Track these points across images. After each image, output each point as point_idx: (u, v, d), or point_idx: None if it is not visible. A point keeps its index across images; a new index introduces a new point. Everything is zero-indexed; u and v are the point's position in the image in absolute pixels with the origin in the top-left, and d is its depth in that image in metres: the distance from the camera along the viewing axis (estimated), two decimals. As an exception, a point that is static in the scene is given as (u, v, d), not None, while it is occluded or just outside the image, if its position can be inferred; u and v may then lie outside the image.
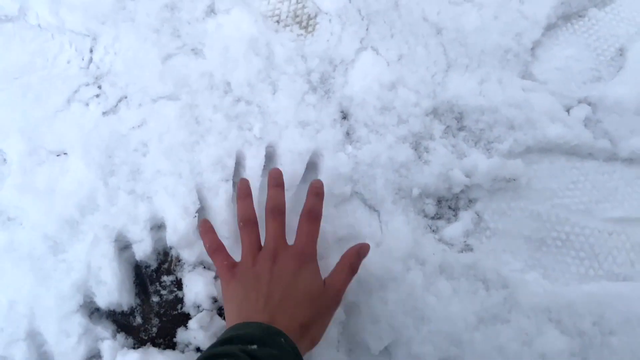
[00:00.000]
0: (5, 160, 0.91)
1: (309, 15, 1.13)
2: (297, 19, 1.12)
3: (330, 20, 1.10)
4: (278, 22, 1.11)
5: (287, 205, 0.92)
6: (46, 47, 1.01)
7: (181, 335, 0.84)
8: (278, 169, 0.81)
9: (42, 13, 1.01)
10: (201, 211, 0.89)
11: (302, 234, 0.73)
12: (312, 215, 0.76)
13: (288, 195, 0.93)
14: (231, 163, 0.93)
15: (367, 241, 0.91)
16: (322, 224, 0.84)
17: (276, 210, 0.74)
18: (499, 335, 0.85)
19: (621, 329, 0.86)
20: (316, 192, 0.79)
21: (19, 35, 1.02)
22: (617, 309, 0.87)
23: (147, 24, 1.03)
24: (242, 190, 0.79)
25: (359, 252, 0.76)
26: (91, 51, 1.01)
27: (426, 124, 1.00)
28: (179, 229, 0.86)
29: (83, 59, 1.00)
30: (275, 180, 0.78)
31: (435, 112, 1.02)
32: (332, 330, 0.82)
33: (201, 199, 0.90)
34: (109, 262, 0.83)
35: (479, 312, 0.86)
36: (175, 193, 0.88)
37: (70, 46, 1.01)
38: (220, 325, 0.85)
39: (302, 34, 1.10)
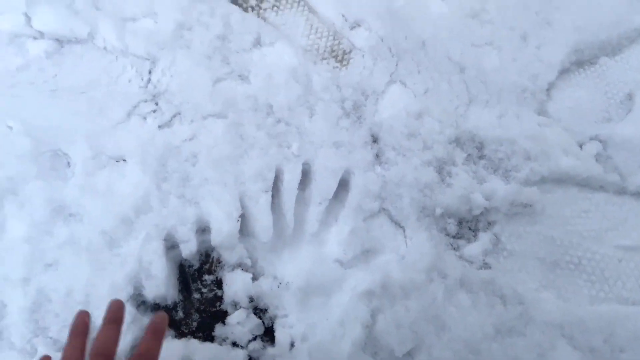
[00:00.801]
0: (68, 163, 1.01)
1: (344, 51, 1.25)
2: (333, 54, 1.24)
3: (363, 55, 1.22)
4: (316, 55, 1.23)
5: (315, 219, 1.01)
6: (110, 67, 1.13)
7: (219, 330, 0.91)
8: (119, 302, 0.64)
9: (109, 37, 1.14)
10: (243, 217, 0.98)
11: None
12: None
13: (319, 209, 1.02)
14: (271, 176, 1.02)
15: (392, 254, 0.99)
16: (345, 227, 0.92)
17: (102, 354, 0.57)
18: (515, 347, 0.91)
19: (631, 347, 0.91)
20: (154, 330, 0.61)
21: (86, 56, 1.14)
22: (627, 328, 0.93)
23: (200, 51, 1.15)
24: (76, 327, 0.61)
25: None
26: (150, 72, 1.13)
27: (449, 151, 1.10)
28: (223, 232, 0.94)
29: (142, 79, 1.12)
30: (111, 315, 0.62)
31: (457, 141, 1.11)
32: (359, 333, 0.89)
33: (243, 206, 0.98)
34: (159, 258, 0.91)
35: (496, 325, 0.92)
36: (220, 199, 0.97)
37: (131, 67, 1.13)
38: (255, 324, 0.91)
39: (337, 67, 1.22)
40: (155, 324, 0.63)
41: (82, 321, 0.62)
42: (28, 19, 1.14)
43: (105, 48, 1.15)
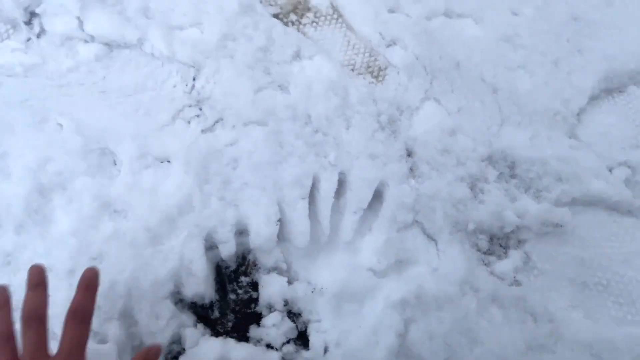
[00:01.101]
0: (115, 162, 1.04)
1: (380, 67, 1.28)
2: (370, 69, 1.28)
3: (398, 72, 1.26)
4: (353, 70, 1.27)
5: (349, 228, 1.04)
6: (156, 72, 1.18)
7: (254, 331, 0.93)
8: (39, 266, 0.64)
9: (157, 44, 1.18)
10: (280, 222, 1.00)
11: (66, 340, 0.60)
12: (79, 315, 0.61)
13: (354, 218, 1.05)
14: (308, 183, 1.05)
15: (424, 265, 1.01)
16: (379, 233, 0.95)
17: (33, 316, 0.59)
18: (546, 363, 0.92)
19: (661, 370, 0.92)
20: (86, 285, 0.64)
21: (134, 61, 1.19)
22: (657, 352, 0.94)
23: (243, 61, 1.19)
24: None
25: (146, 357, 0.64)
26: (194, 79, 1.17)
27: (482, 168, 1.12)
28: (261, 235, 0.97)
29: (187, 85, 1.16)
30: (34, 280, 0.62)
31: (490, 159, 1.14)
32: (393, 342, 0.90)
33: (281, 212, 1.01)
34: (200, 257, 0.94)
35: (527, 341, 0.93)
36: (259, 203, 1.00)
37: (176, 74, 1.18)
38: (289, 327, 0.93)
39: (373, 82, 1.25)
40: (86, 279, 0.65)
41: (1, 295, 0.61)
42: (80, 22, 1.19)
43: (152, 54, 1.20)
